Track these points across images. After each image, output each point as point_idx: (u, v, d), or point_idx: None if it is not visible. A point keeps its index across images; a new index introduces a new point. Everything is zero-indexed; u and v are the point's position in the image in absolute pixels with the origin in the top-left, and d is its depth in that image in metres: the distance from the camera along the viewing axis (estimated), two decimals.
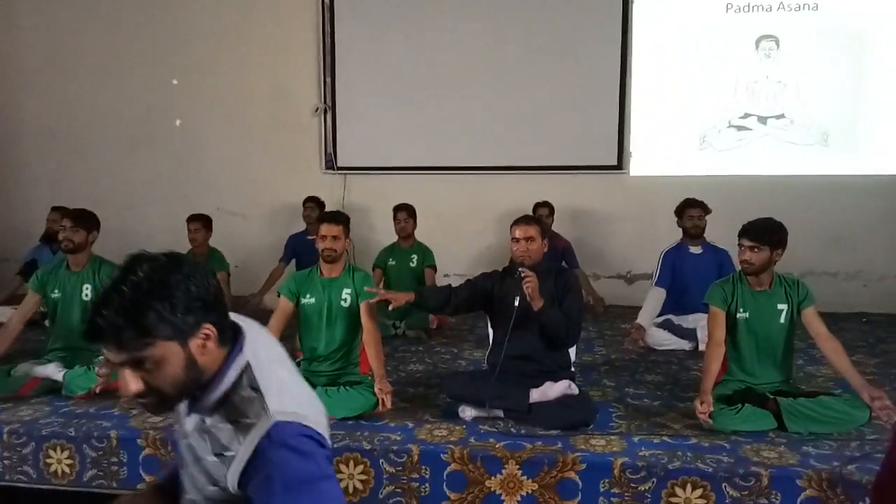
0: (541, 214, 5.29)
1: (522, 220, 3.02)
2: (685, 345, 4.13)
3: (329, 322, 3.04)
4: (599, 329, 4.74)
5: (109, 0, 6.15)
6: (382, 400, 2.82)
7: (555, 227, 5.40)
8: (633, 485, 2.47)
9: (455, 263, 5.64)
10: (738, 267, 3.04)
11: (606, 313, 5.17)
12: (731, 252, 3.83)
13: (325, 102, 5.96)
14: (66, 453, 2.80)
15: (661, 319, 4.28)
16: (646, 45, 5.59)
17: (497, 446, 2.63)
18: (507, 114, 5.77)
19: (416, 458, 2.61)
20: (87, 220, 3.42)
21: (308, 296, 3.06)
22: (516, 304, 2.84)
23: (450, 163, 5.88)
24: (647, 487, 2.46)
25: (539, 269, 2.93)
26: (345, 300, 3.04)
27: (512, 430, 2.78)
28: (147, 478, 2.75)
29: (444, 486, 2.59)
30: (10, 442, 2.82)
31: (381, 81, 5.92)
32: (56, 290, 3.38)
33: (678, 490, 2.44)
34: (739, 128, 5.55)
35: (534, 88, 5.71)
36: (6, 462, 2.83)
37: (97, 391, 3.10)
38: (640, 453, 2.56)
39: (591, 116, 5.69)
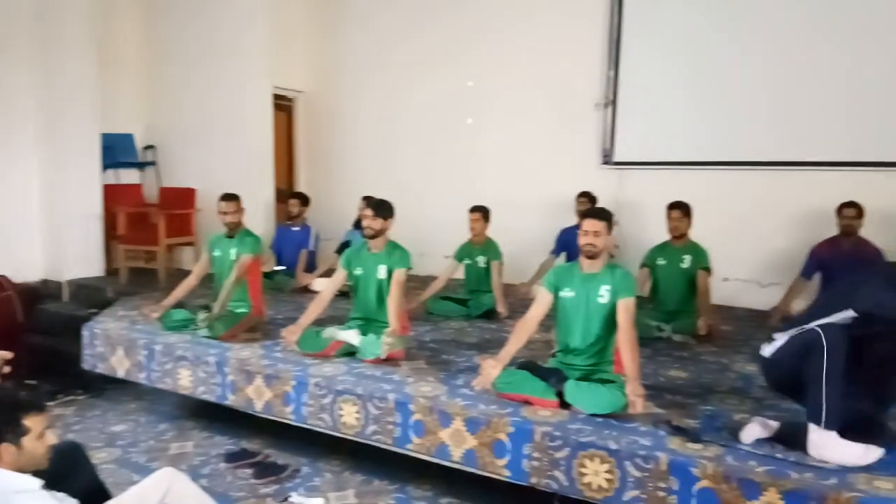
0: (846, 216, 4.63)
1: None
2: None
3: (585, 317, 3.06)
4: None
5: (414, 9, 6.86)
6: (633, 402, 2.76)
7: (864, 233, 4.66)
8: None
9: (736, 266, 5.21)
10: None
11: None
12: None
13: (607, 96, 5.93)
14: (355, 408, 3.28)
15: None
16: None
17: (757, 470, 2.41)
18: (808, 99, 5.12)
19: (664, 466, 2.53)
20: (384, 210, 3.92)
21: (567, 289, 3.12)
22: None
23: (735, 157, 5.41)
24: None
25: None
26: (602, 297, 3.03)
27: (778, 455, 2.52)
28: (415, 440, 3.10)
29: (693, 502, 2.47)
30: (315, 392, 3.40)
31: (666, 71, 5.69)
32: (359, 268, 3.94)
33: None
34: None
35: (846, 62, 4.98)
36: (310, 408, 3.42)
37: (383, 357, 3.57)
38: None
39: None
